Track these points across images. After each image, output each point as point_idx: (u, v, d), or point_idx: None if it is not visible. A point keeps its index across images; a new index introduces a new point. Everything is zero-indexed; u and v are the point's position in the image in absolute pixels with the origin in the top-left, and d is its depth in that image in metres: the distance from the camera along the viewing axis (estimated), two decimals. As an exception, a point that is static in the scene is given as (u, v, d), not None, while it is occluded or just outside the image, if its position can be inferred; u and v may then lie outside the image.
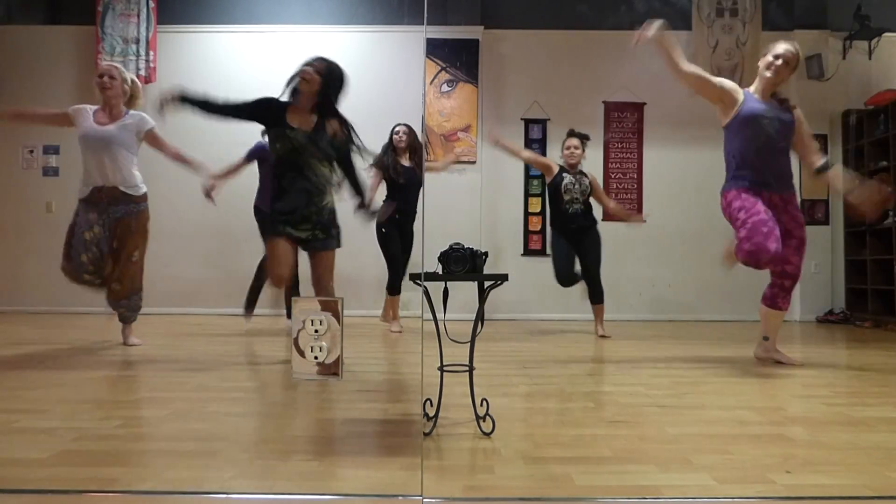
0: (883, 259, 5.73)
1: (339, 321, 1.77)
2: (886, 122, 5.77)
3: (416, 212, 4.72)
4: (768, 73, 3.23)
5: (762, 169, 3.21)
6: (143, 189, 3.74)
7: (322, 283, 3.10)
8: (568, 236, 4.62)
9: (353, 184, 3.22)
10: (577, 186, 4.60)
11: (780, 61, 3.21)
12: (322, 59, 3.07)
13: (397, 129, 4.72)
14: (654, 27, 3.09)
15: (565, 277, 4.60)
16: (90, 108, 3.68)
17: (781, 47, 3.23)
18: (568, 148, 4.68)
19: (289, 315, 4.78)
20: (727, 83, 3.31)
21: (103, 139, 3.58)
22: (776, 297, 3.30)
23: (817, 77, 6.14)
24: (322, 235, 3.08)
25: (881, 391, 2.69)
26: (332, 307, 1.80)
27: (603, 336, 4.54)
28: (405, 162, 4.68)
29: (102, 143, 3.58)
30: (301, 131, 3.03)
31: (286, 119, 3.04)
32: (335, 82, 3.08)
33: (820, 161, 3.34)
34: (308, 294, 3.33)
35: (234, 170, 4.51)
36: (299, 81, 3.03)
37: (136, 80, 3.81)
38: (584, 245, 4.61)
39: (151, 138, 3.72)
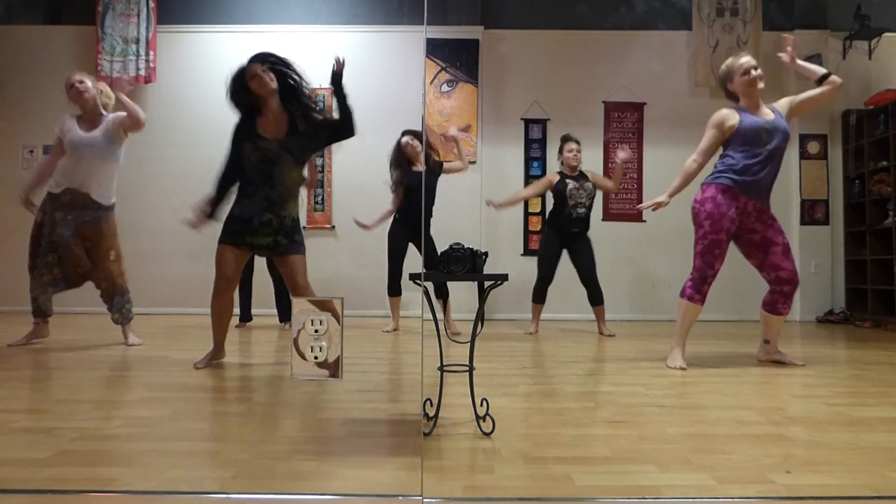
0: (883, 259, 5.73)
1: (338, 321, 1.77)
2: (886, 122, 5.77)
3: (428, 214, 4.67)
4: (758, 87, 3.25)
5: (753, 175, 3.22)
6: (113, 200, 3.77)
7: (297, 284, 3.04)
8: (563, 238, 4.71)
9: (342, 110, 3.14)
10: (581, 192, 4.67)
11: (753, 72, 3.24)
12: (259, 57, 3.01)
13: (404, 140, 4.69)
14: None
15: (548, 274, 4.72)
16: (72, 117, 3.71)
17: (743, 60, 3.28)
18: (570, 151, 4.73)
19: (242, 319, 4.84)
20: (725, 123, 3.29)
21: (89, 146, 3.63)
22: (776, 303, 3.31)
23: (817, 77, 6.13)
24: (285, 241, 3.04)
25: (881, 391, 2.69)
26: (332, 307, 1.80)
27: (608, 335, 4.59)
28: (417, 167, 4.65)
29: (87, 150, 3.63)
30: (275, 141, 3.01)
31: (258, 130, 3.02)
32: (285, 71, 3.03)
33: (820, 73, 3.36)
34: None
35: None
36: (252, 87, 2.98)
37: (104, 87, 3.83)
38: (578, 249, 4.69)
39: (127, 120, 3.67)
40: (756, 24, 6.17)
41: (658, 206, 3.39)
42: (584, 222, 4.70)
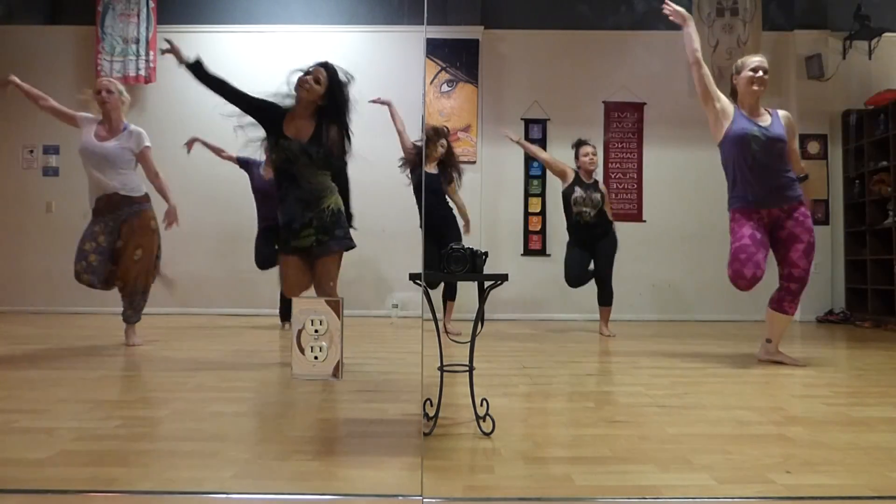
0: (883, 259, 5.73)
1: (339, 321, 1.77)
2: (886, 122, 5.77)
3: (447, 216, 4.61)
4: (756, 87, 3.27)
5: (756, 186, 3.24)
6: (143, 190, 3.80)
7: (322, 287, 3.07)
8: (581, 244, 4.69)
9: (344, 202, 3.17)
10: (587, 200, 4.64)
11: (760, 73, 3.26)
12: (323, 66, 3.06)
13: (440, 141, 4.65)
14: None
15: (573, 279, 4.68)
16: (94, 120, 3.75)
17: (755, 59, 3.30)
18: (586, 155, 4.70)
19: (283, 318, 4.82)
20: (724, 101, 3.36)
21: (101, 154, 3.68)
22: (783, 301, 3.30)
23: (817, 77, 6.14)
24: (324, 238, 3.05)
25: (881, 391, 2.69)
26: (332, 307, 1.80)
27: (608, 335, 4.60)
28: (430, 168, 4.60)
29: (100, 158, 3.68)
30: (295, 141, 3.02)
31: (283, 127, 3.03)
32: (336, 91, 3.05)
33: (802, 173, 3.40)
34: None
35: (220, 152, 4.73)
36: (298, 89, 3.02)
37: (128, 97, 3.88)
38: (597, 248, 4.68)
39: (143, 157, 3.79)
40: (756, 24, 6.17)
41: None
42: (596, 225, 4.64)
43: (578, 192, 4.65)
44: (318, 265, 3.08)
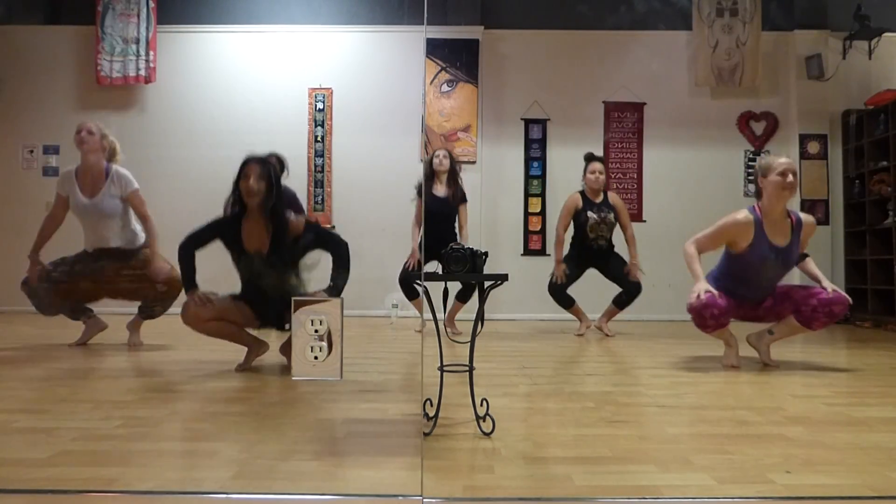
0: (883, 259, 5.73)
1: (339, 321, 1.77)
2: (886, 122, 5.76)
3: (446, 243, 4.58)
4: (786, 192, 3.10)
5: (753, 290, 3.24)
6: (141, 240, 3.74)
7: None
8: (586, 263, 4.65)
9: (337, 261, 2.94)
10: (603, 226, 4.55)
11: (790, 177, 3.09)
12: (254, 161, 2.90)
13: (437, 152, 4.60)
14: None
15: (559, 290, 4.64)
16: (72, 173, 3.65)
17: (782, 161, 3.13)
18: (592, 172, 4.55)
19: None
20: (736, 226, 3.17)
21: (92, 211, 3.62)
22: (812, 321, 3.16)
23: (817, 77, 6.14)
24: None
25: (881, 391, 2.69)
26: (332, 307, 1.80)
27: (607, 334, 4.59)
28: (439, 191, 4.54)
29: (92, 215, 3.63)
30: (258, 256, 2.91)
31: (242, 239, 2.93)
32: (276, 180, 2.92)
33: (802, 251, 3.31)
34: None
35: None
36: (244, 197, 2.88)
37: (114, 140, 3.75)
38: (609, 265, 4.64)
39: (131, 201, 3.67)
40: (756, 24, 6.17)
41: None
42: (606, 249, 4.61)
43: (592, 217, 4.53)
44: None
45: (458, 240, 4.55)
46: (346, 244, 2.94)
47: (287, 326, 2.89)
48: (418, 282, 1.87)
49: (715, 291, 3.09)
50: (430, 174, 4.53)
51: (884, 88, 5.98)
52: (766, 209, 3.15)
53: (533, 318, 5.94)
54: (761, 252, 3.14)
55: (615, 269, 4.63)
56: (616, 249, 4.73)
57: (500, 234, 6.20)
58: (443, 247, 4.82)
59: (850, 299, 3.15)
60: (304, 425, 2.11)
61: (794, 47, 6.23)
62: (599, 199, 4.60)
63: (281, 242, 2.90)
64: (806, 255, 3.31)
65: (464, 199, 4.61)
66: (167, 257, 3.90)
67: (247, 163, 2.90)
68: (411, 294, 4.41)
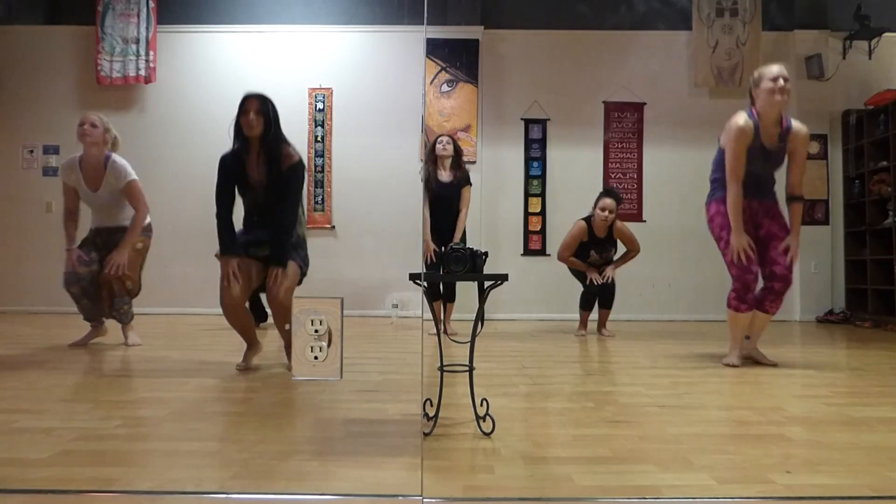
0: (883, 259, 5.73)
1: (339, 321, 1.77)
2: (886, 122, 5.77)
3: (454, 228, 4.52)
4: (778, 97, 3.14)
5: (747, 179, 3.21)
6: (146, 220, 3.82)
7: (275, 296, 2.93)
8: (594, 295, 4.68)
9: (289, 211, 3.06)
10: (599, 260, 4.61)
11: (781, 81, 3.14)
12: (252, 98, 2.97)
13: (440, 138, 4.58)
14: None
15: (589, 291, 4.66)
16: (76, 162, 3.70)
17: (774, 68, 3.19)
18: (603, 209, 4.45)
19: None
20: (745, 131, 3.18)
21: (97, 203, 3.72)
22: (763, 300, 3.26)
23: (817, 77, 6.14)
24: (281, 252, 2.97)
25: (881, 391, 2.69)
26: (332, 307, 1.80)
27: (607, 335, 4.60)
28: (444, 176, 4.52)
29: (98, 205, 3.73)
30: (260, 187, 3.00)
31: (247, 173, 3.01)
32: (274, 115, 3.01)
33: (797, 192, 3.31)
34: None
35: None
36: (244, 130, 2.96)
37: (116, 133, 3.83)
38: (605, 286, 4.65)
39: (127, 192, 3.71)
40: (756, 24, 6.17)
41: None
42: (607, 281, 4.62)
43: (594, 255, 4.57)
44: (272, 274, 2.94)
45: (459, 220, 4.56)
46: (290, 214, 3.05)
47: (285, 263, 2.95)
48: (418, 281, 1.87)
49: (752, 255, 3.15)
50: (434, 160, 4.52)
51: (884, 88, 5.99)
52: (760, 115, 3.21)
53: (533, 318, 5.95)
54: (758, 148, 3.18)
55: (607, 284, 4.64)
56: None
57: (500, 234, 6.21)
58: (448, 230, 4.78)
59: (790, 279, 3.23)
60: (304, 425, 2.11)
61: (794, 47, 6.23)
62: (604, 234, 4.57)
63: (277, 170, 2.98)
64: (800, 199, 3.31)
65: (467, 182, 4.60)
66: (164, 260, 3.92)
67: (246, 99, 2.98)
68: (434, 295, 4.41)
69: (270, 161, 2.98)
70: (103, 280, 3.67)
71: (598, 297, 4.66)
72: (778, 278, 3.22)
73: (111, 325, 3.84)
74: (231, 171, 3.03)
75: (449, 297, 4.48)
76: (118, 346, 3.68)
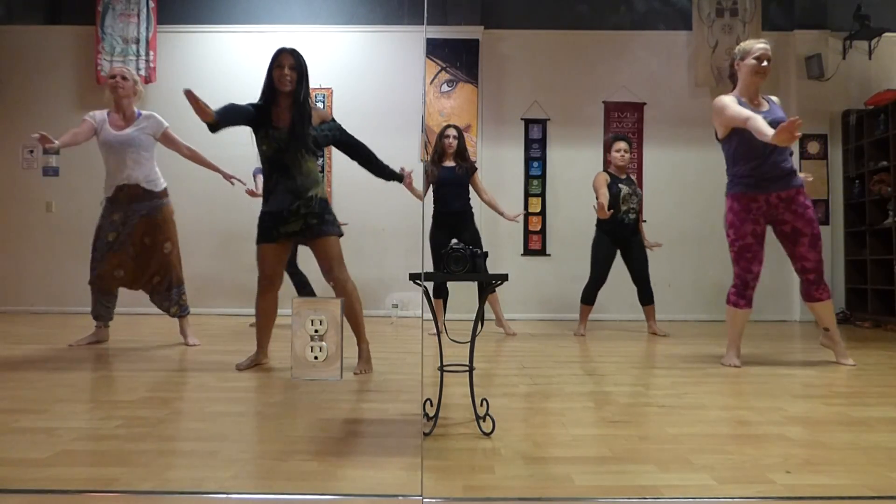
0: (883, 259, 5.73)
1: (339, 321, 1.77)
2: (886, 122, 5.76)
3: (464, 211, 4.55)
4: (758, 78, 3.23)
5: (760, 168, 3.21)
6: (164, 184, 3.84)
7: (332, 272, 3.01)
8: (616, 241, 4.71)
9: (373, 163, 3.29)
10: (634, 197, 4.68)
11: (765, 63, 3.22)
12: (287, 52, 2.98)
13: (447, 132, 4.58)
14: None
15: (601, 279, 4.68)
16: (104, 113, 3.75)
17: (759, 46, 3.23)
18: (618, 151, 4.71)
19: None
20: (734, 102, 3.22)
21: (121, 143, 3.69)
22: (809, 290, 3.31)
23: (817, 77, 6.14)
24: (315, 221, 3.02)
25: (881, 391, 2.69)
26: (331, 307, 1.80)
27: (662, 335, 4.62)
28: (448, 162, 4.56)
29: (123, 147, 3.69)
30: (284, 129, 3.00)
31: (272, 120, 3.01)
32: (307, 73, 3.04)
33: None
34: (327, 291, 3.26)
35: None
36: (279, 82, 2.97)
37: (142, 89, 3.92)
38: (631, 250, 4.73)
39: (166, 139, 3.82)
40: (756, 24, 6.17)
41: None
42: (635, 225, 4.72)
43: (624, 188, 4.65)
44: (319, 247, 3.02)
45: (484, 202, 4.69)
46: (367, 147, 3.30)
47: (299, 210, 3.02)
48: (418, 281, 1.87)
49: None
50: (441, 150, 4.55)
51: (884, 88, 5.98)
52: (741, 91, 3.27)
53: (533, 318, 5.94)
54: (748, 133, 3.15)
55: (637, 260, 4.72)
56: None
57: (500, 234, 6.20)
58: (453, 211, 4.77)
59: (822, 269, 3.30)
60: (304, 425, 2.11)
61: (794, 47, 6.23)
62: (623, 176, 4.74)
63: (303, 120, 3.01)
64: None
65: (474, 169, 4.64)
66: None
67: (280, 52, 2.98)
68: (437, 293, 4.42)
69: (301, 117, 2.99)
70: (160, 266, 3.70)
71: (638, 293, 4.70)
72: (809, 271, 3.27)
73: (113, 325, 3.84)
74: (254, 116, 3.01)
75: (438, 293, 4.50)
76: (119, 346, 3.67)
